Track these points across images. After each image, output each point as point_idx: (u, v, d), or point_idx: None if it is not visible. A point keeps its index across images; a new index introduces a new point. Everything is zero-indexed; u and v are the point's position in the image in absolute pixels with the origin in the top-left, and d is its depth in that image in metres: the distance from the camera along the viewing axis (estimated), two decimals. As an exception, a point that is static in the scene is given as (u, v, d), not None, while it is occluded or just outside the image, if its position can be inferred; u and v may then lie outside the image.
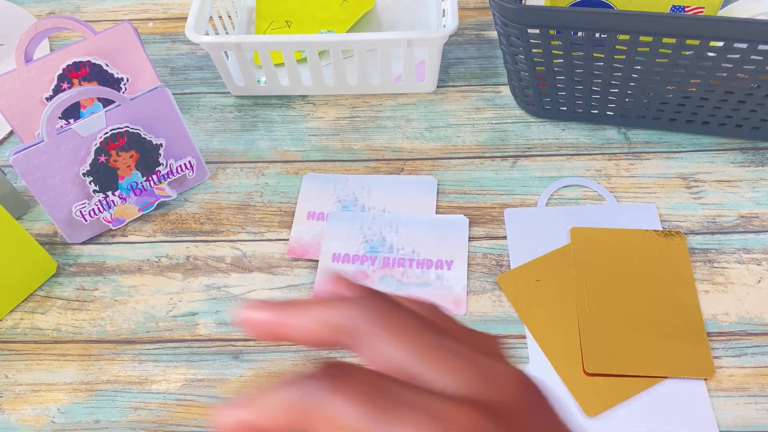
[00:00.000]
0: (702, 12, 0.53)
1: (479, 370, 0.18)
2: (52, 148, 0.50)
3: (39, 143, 0.49)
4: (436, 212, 0.54)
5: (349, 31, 0.67)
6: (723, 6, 0.54)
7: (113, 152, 0.52)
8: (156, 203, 0.56)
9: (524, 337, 0.47)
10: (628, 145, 0.57)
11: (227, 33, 0.66)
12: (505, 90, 0.62)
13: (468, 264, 0.51)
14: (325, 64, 0.64)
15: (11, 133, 0.63)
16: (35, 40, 0.53)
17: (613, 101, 0.56)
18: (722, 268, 0.49)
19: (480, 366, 0.18)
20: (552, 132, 0.59)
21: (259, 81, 0.64)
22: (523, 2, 0.56)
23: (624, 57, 0.50)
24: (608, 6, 0.55)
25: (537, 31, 0.50)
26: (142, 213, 0.56)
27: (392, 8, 0.70)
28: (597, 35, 0.49)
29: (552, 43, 0.51)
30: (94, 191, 0.53)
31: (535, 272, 0.50)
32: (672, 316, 0.47)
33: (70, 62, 0.54)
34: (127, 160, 0.53)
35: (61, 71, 0.54)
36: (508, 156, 0.58)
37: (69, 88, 0.55)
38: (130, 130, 0.52)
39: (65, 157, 0.51)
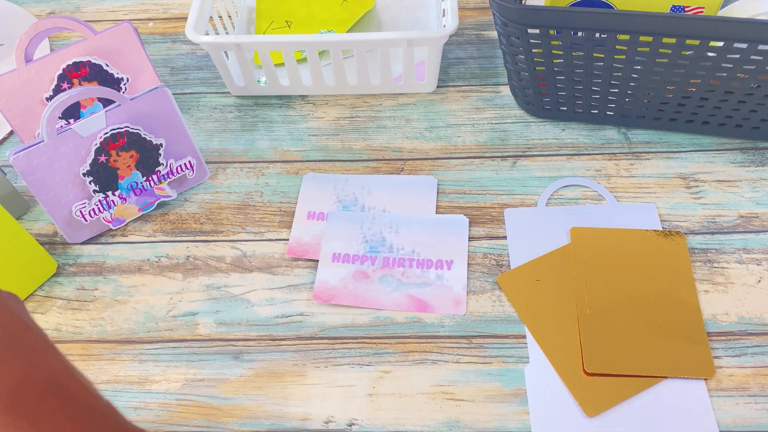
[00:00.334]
0: (702, 12, 0.53)
1: None
2: (52, 148, 0.50)
3: (39, 143, 0.49)
4: (436, 212, 0.54)
5: (349, 31, 0.67)
6: (723, 6, 0.54)
7: (113, 152, 0.52)
8: (156, 203, 0.56)
9: (524, 337, 0.47)
10: (628, 145, 0.57)
11: (227, 33, 0.66)
12: (505, 90, 0.62)
13: (468, 264, 0.51)
14: (325, 64, 0.64)
15: (11, 133, 0.63)
16: (35, 40, 0.53)
17: (613, 101, 0.56)
18: (722, 268, 0.49)
19: None
20: (552, 132, 0.59)
21: (259, 81, 0.64)
22: (523, 2, 0.56)
23: (624, 57, 0.50)
24: (608, 6, 0.55)
25: (537, 31, 0.50)
26: (142, 213, 0.56)
27: (392, 8, 0.70)
28: (597, 35, 0.49)
29: (552, 43, 0.51)
30: (94, 191, 0.53)
31: (535, 272, 0.50)
32: (672, 316, 0.47)
33: (70, 62, 0.54)
34: (127, 160, 0.53)
35: (61, 71, 0.54)
36: (508, 156, 0.58)
37: (69, 88, 0.55)
38: (130, 130, 0.52)
39: (65, 157, 0.51)
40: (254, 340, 0.49)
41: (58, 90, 0.55)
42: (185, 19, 0.71)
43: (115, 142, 0.52)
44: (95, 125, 0.51)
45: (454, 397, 0.45)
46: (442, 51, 0.60)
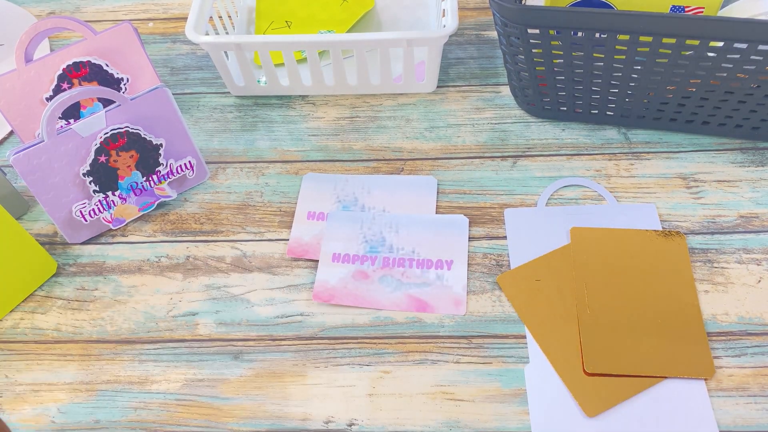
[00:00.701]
0: (702, 12, 0.53)
1: None
2: (52, 149, 0.50)
3: (39, 143, 0.49)
4: (436, 212, 0.54)
5: (349, 31, 0.67)
6: (723, 6, 0.54)
7: (113, 152, 0.52)
8: (156, 203, 0.56)
9: (524, 337, 0.47)
10: (628, 145, 0.57)
11: (227, 33, 0.66)
12: (505, 90, 0.62)
13: (468, 264, 0.51)
14: (325, 64, 0.64)
15: (11, 133, 0.63)
16: (35, 40, 0.53)
17: (613, 101, 0.56)
18: (722, 268, 0.49)
19: None
20: (552, 132, 0.59)
21: (259, 81, 0.64)
22: (523, 2, 0.56)
23: (624, 57, 0.50)
24: (608, 6, 0.55)
25: (537, 31, 0.50)
26: (142, 213, 0.56)
27: (392, 8, 0.70)
28: (597, 35, 0.49)
29: (552, 43, 0.51)
30: (94, 191, 0.53)
31: (535, 272, 0.50)
32: (672, 316, 0.47)
33: (70, 62, 0.54)
34: (127, 160, 0.53)
35: (61, 71, 0.54)
36: (508, 156, 0.58)
37: (69, 88, 0.55)
38: (130, 130, 0.52)
39: (65, 157, 0.51)
40: (254, 340, 0.49)
41: (58, 90, 0.54)
42: (185, 19, 0.71)
43: (115, 142, 0.52)
44: (95, 125, 0.51)
45: (454, 397, 0.45)
46: (442, 51, 0.60)
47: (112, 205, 0.54)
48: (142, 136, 0.53)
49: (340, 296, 0.50)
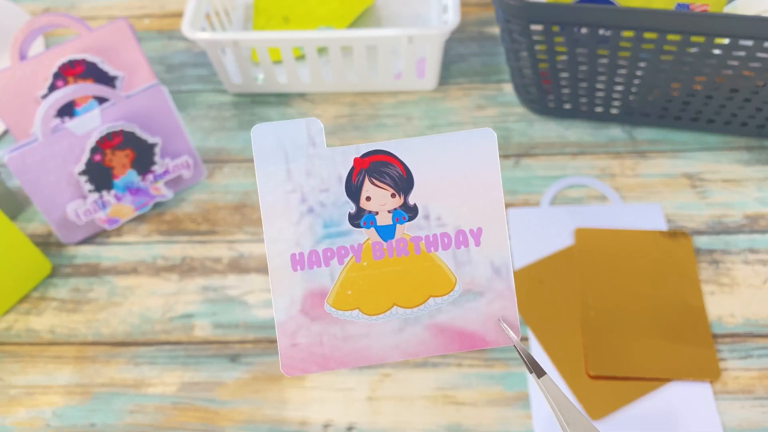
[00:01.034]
0: (707, 9, 0.52)
1: None
2: (47, 147, 0.49)
3: (33, 142, 0.49)
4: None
5: (349, 27, 0.66)
6: (728, 3, 0.54)
7: (108, 151, 0.51)
8: (152, 203, 0.55)
9: (527, 338, 0.46)
10: (632, 143, 0.57)
11: (224, 29, 0.65)
12: (508, 87, 0.62)
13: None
14: (324, 61, 0.64)
15: (5, 131, 0.62)
16: (30, 38, 0.53)
17: (618, 99, 0.55)
18: (728, 269, 0.49)
19: None
20: (555, 130, 0.58)
21: (256, 78, 0.63)
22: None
23: (628, 54, 0.49)
24: (611, 2, 0.54)
25: (540, 27, 0.49)
26: (137, 213, 0.55)
27: (392, 4, 0.69)
28: (601, 32, 0.48)
29: (555, 39, 0.50)
30: (89, 191, 0.52)
31: (539, 273, 0.49)
32: (677, 317, 0.46)
33: (65, 60, 0.53)
34: (122, 159, 0.52)
35: (56, 69, 0.53)
36: (511, 155, 0.57)
37: (64, 86, 0.54)
38: (126, 129, 0.51)
39: (60, 156, 0.50)
40: (252, 342, 0.48)
41: (52, 88, 0.54)
42: (181, 15, 0.70)
43: (110, 140, 0.51)
44: (90, 123, 0.50)
45: (456, 401, 0.44)
46: (444, 48, 0.60)
47: (108, 204, 0.53)
48: (138, 134, 0.52)
49: (323, 360, 0.30)
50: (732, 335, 0.46)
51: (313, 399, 0.45)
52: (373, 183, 0.29)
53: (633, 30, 0.47)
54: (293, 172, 0.29)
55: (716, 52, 0.48)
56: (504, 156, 0.57)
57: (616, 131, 0.58)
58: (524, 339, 0.47)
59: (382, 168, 0.29)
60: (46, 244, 0.54)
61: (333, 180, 0.29)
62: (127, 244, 0.54)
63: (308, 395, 0.45)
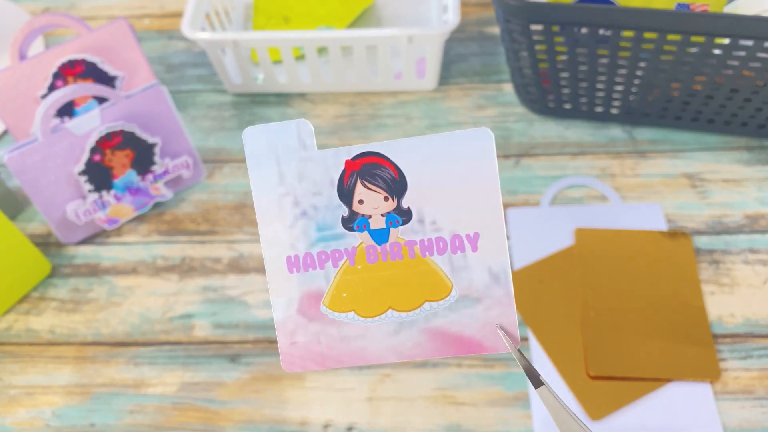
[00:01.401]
0: (707, 9, 0.52)
1: None
2: (47, 147, 0.49)
3: (33, 142, 0.48)
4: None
5: (349, 27, 0.66)
6: (728, 3, 0.53)
7: (108, 151, 0.51)
8: (151, 203, 0.55)
9: (527, 339, 0.46)
10: (632, 143, 0.57)
11: (224, 29, 0.65)
12: (508, 87, 0.62)
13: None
14: (324, 61, 0.63)
15: (5, 132, 0.62)
16: (29, 38, 0.52)
17: (618, 99, 0.55)
18: (728, 269, 0.49)
19: None
20: (555, 130, 0.58)
21: (256, 78, 0.63)
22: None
23: (628, 54, 0.49)
24: (612, 2, 0.54)
25: (540, 27, 0.49)
26: (137, 213, 0.55)
27: (392, 4, 0.69)
28: (601, 32, 0.48)
29: (555, 39, 0.50)
30: (89, 191, 0.52)
31: (539, 273, 0.49)
32: (677, 318, 0.46)
33: (65, 60, 0.53)
34: (122, 159, 0.52)
35: (55, 69, 0.53)
36: (511, 155, 0.57)
37: (64, 85, 0.54)
38: (125, 129, 0.51)
39: (60, 156, 0.50)
40: (251, 342, 0.48)
41: (52, 88, 0.54)
42: (181, 15, 0.70)
43: (109, 140, 0.51)
44: (90, 123, 0.50)
45: (456, 401, 0.44)
46: (444, 48, 0.60)
47: (107, 204, 0.53)
48: (138, 134, 0.52)
49: (321, 359, 0.30)
50: (732, 335, 0.46)
51: (313, 399, 0.45)
52: (365, 186, 0.28)
53: (633, 30, 0.47)
54: (285, 176, 0.29)
55: (716, 52, 0.48)
56: (504, 156, 0.57)
57: (616, 131, 0.58)
58: (524, 339, 0.47)
59: (374, 170, 0.28)
60: (45, 244, 0.54)
61: (325, 183, 0.28)
62: (127, 244, 0.54)
63: (308, 395, 0.45)
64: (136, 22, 0.71)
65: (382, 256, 0.29)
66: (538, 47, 0.51)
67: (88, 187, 0.52)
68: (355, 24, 0.67)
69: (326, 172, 0.29)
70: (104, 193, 0.53)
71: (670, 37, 0.47)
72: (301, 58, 0.64)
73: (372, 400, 0.45)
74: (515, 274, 0.49)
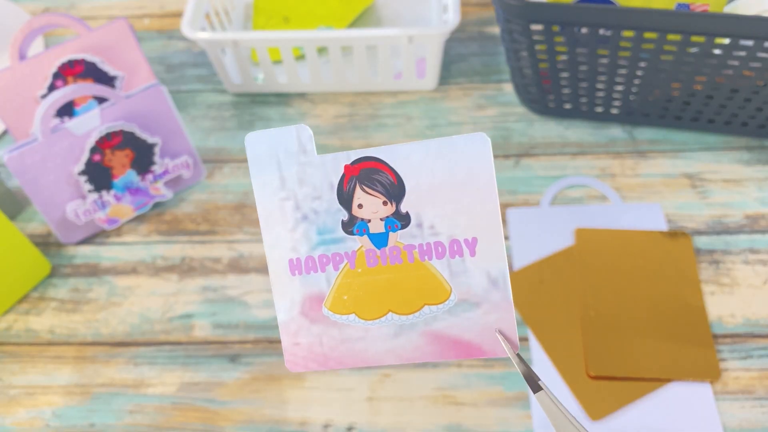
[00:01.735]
0: (707, 9, 0.52)
1: None
2: (47, 147, 0.49)
3: (33, 142, 0.48)
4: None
5: (349, 27, 0.66)
6: (728, 3, 0.53)
7: (108, 151, 0.51)
8: (151, 203, 0.55)
9: (527, 339, 0.46)
10: (632, 143, 0.57)
11: (224, 29, 0.65)
12: (508, 87, 0.62)
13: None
14: (324, 61, 0.63)
15: (5, 131, 0.62)
16: (29, 38, 0.52)
17: (618, 99, 0.55)
18: (728, 269, 0.49)
19: None
20: (556, 130, 0.58)
21: (256, 78, 0.63)
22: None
23: (629, 54, 0.49)
24: (612, 2, 0.54)
25: (540, 27, 0.49)
26: (137, 213, 0.55)
27: (392, 4, 0.69)
28: (601, 32, 0.48)
29: (555, 39, 0.50)
30: (89, 191, 0.52)
31: (539, 273, 0.49)
32: (677, 318, 0.46)
33: (65, 60, 0.53)
34: (122, 158, 0.52)
35: (55, 69, 0.53)
36: (511, 155, 0.57)
37: (63, 85, 0.54)
38: (125, 129, 0.51)
39: (59, 156, 0.50)
40: (251, 342, 0.48)
41: (52, 88, 0.54)
42: (181, 15, 0.70)
43: (109, 140, 0.51)
44: (90, 123, 0.50)
45: (456, 401, 0.44)
46: (444, 48, 0.60)
47: (107, 204, 0.53)
48: (137, 134, 0.52)
49: (323, 359, 0.30)
50: (732, 335, 0.46)
51: (313, 399, 0.45)
52: (364, 190, 0.29)
53: (633, 30, 0.47)
54: (286, 180, 0.29)
55: (717, 52, 0.48)
56: (504, 156, 0.57)
57: (616, 131, 0.58)
58: (524, 339, 0.46)
59: (372, 175, 0.28)
60: (45, 244, 0.54)
61: (325, 187, 0.29)
62: (127, 244, 0.54)
63: (308, 395, 0.45)
64: (136, 22, 0.71)
65: (381, 260, 0.29)
66: (538, 47, 0.51)
67: (87, 187, 0.52)
68: (355, 24, 0.67)
69: (326, 177, 0.29)
70: (104, 193, 0.53)
71: (670, 37, 0.47)
72: (301, 58, 0.64)
73: (372, 400, 0.45)
74: (515, 274, 0.49)
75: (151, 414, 0.45)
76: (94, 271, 0.53)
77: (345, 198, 0.29)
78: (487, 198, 0.28)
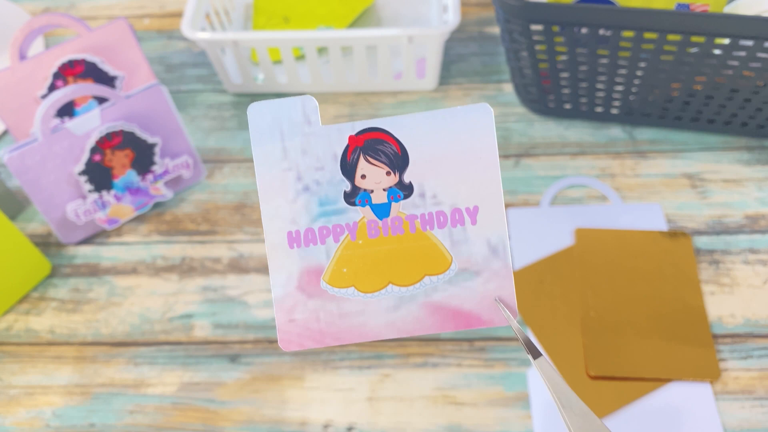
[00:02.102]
0: (707, 9, 0.52)
1: None
2: (47, 148, 0.49)
3: (33, 142, 0.48)
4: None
5: (349, 27, 0.66)
6: (728, 3, 0.53)
7: (108, 151, 0.51)
8: (151, 203, 0.55)
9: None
10: (632, 143, 0.57)
11: (224, 29, 0.65)
12: (508, 87, 0.62)
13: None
14: (324, 61, 0.63)
15: (5, 132, 0.62)
16: (29, 38, 0.52)
17: (618, 99, 0.55)
18: (728, 269, 0.49)
19: None
20: (556, 130, 0.58)
21: (256, 78, 0.63)
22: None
23: (628, 54, 0.49)
24: (612, 2, 0.54)
25: (540, 27, 0.49)
26: (137, 213, 0.55)
27: (392, 4, 0.69)
28: (601, 32, 0.48)
29: (555, 39, 0.50)
30: (89, 191, 0.52)
31: (539, 273, 0.49)
32: (677, 318, 0.46)
33: (65, 60, 0.53)
34: (122, 159, 0.52)
35: (56, 69, 0.53)
36: (511, 155, 0.57)
37: (64, 85, 0.54)
38: (125, 129, 0.51)
39: (59, 156, 0.50)
40: (251, 342, 0.48)
41: (52, 88, 0.54)
42: (181, 15, 0.70)
43: (109, 140, 0.51)
44: (90, 123, 0.50)
45: (456, 401, 0.44)
46: (444, 48, 0.60)
47: (107, 204, 0.53)
48: (137, 134, 0.52)
49: (320, 336, 0.30)
50: (732, 335, 0.46)
51: (313, 399, 0.45)
52: (368, 161, 0.29)
53: (633, 30, 0.47)
54: (289, 151, 0.29)
55: (716, 52, 0.48)
56: (504, 156, 0.57)
57: (616, 131, 0.58)
58: (524, 339, 0.47)
59: (377, 145, 0.29)
60: (45, 244, 0.54)
61: (328, 158, 0.29)
62: (127, 244, 0.54)
63: (308, 395, 0.45)
64: (136, 22, 0.71)
65: (383, 231, 0.29)
66: (538, 47, 0.51)
67: (88, 187, 0.52)
68: (355, 24, 0.67)
69: (329, 148, 0.29)
70: (104, 193, 0.53)
71: (670, 37, 0.47)
72: (301, 58, 0.64)
73: (372, 400, 0.45)
74: (516, 274, 0.49)
75: (151, 414, 0.45)
76: (94, 271, 0.53)
77: (348, 168, 0.29)
78: (489, 167, 0.28)
